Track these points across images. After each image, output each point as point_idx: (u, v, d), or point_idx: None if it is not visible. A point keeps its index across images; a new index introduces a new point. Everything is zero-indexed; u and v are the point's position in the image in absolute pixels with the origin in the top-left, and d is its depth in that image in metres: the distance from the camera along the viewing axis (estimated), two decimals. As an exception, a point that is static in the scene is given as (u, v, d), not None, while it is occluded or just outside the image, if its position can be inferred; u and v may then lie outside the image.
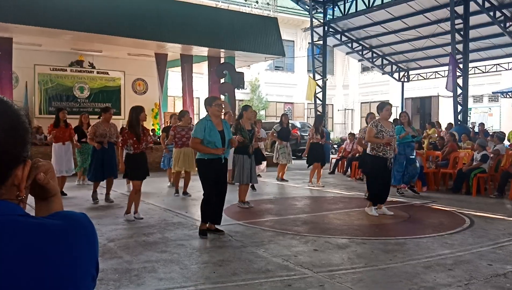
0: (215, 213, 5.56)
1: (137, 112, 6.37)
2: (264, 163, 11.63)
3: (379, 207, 6.96)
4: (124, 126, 8.53)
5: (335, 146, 20.34)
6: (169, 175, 9.93)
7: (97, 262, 0.85)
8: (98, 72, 16.24)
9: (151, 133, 14.77)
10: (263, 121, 21.94)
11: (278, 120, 11.40)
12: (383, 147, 6.70)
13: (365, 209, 7.00)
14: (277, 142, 10.81)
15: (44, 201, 0.89)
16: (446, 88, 13.57)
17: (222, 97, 15.29)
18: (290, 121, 21.24)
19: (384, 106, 6.94)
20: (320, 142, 10.04)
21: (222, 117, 10.78)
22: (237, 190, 7.61)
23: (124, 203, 7.69)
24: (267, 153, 13.40)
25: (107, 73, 16.44)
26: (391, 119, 7.26)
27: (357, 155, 11.63)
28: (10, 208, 0.77)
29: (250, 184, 7.79)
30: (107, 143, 7.72)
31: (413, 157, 8.86)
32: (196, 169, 5.80)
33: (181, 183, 9.09)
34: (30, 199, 0.86)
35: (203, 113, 18.16)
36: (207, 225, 5.56)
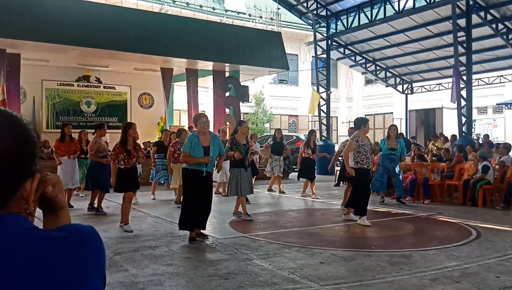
0: (199, 220, 5.94)
1: (125, 129, 6.68)
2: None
3: (347, 213, 7.30)
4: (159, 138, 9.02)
5: (340, 158, 20.29)
6: (153, 188, 10.15)
7: (104, 275, 0.85)
8: (104, 87, 16.39)
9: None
10: (267, 134, 22.04)
11: (284, 134, 11.59)
12: (366, 160, 7.02)
13: (358, 221, 7.08)
14: (271, 157, 11.03)
15: (52, 214, 0.89)
16: (451, 100, 13.57)
17: (227, 110, 15.38)
18: (294, 134, 21.35)
19: (366, 122, 7.30)
20: (311, 157, 10.23)
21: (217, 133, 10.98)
22: (229, 201, 7.72)
23: (130, 216, 7.74)
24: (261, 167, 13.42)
25: (114, 88, 16.59)
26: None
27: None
28: (18, 221, 0.78)
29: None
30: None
31: (394, 169, 8.92)
32: None
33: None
34: (38, 212, 0.87)
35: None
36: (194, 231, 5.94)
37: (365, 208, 7.07)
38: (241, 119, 7.81)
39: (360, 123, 7.25)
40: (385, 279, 4.33)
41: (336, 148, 23.14)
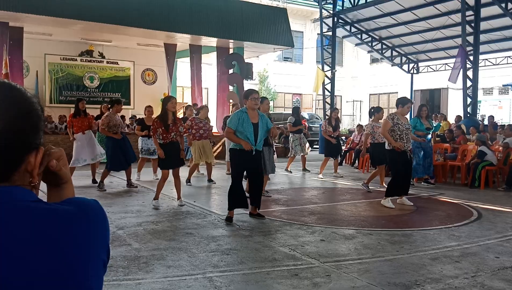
0: (252, 198, 5.87)
1: (164, 102, 6.59)
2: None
3: (400, 197, 6.99)
4: (141, 117, 8.97)
5: (343, 137, 20.32)
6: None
7: (108, 248, 0.86)
8: (108, 62, 16.32)
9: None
10: (271, 112, 21.97)
11: (286, 112, 11.39)
12: (400, 140, 6.72)
13: (382, 201, 6.91)
14: (290, 135, 10.79)
15: (56, 187, 0.90)
16: (449, 80, 13.46)
17: (231, 88, 15.31)
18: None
19: (407, 102, 6.98)
20: (332, 135, 10.11)
21: (232, 109, 10.81)
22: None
23: (133, 191, 7.81)
24: (276, 143, 13.40)
25: (117, 63, 16.51)
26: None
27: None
28: (23, 194, 0.78)
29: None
30: (120, 134, 8.01)
31: (430, 148, 8.93)
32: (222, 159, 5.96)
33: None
34: (43, 186, 0.87)
35: (212, 103, 18.13)
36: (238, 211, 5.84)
37: (394, 191, 6.83)
38: (260, 97, 7.44)
39: (398, 102, 7.04)
40: (385, 257, 4.37)
41: (340, 127, 23.10)
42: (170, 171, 6.57)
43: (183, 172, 9.92)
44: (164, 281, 3.65)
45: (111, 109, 8.16)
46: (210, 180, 9.04)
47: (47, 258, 0.73)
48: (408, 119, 7.07)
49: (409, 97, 22.52)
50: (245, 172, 5.99)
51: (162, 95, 16.84)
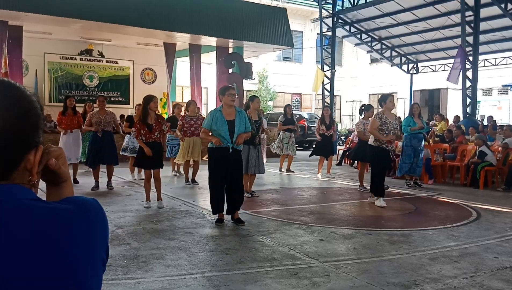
0: (233, 201, 5.60)
1: (145, 102, 6.40)
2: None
3: (372, 196, 7.04)
4: (130, 114, 8.76)
5: (342, 137, 20.31)
6: (173, 164, 9.98)
7: (107, 247, 0.86)
8: (107, 61, 16.31)
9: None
10: (270, 111, 21.97)
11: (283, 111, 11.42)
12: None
13: (375, 203, 6.92)
14: (281, 133, 10.83)
15: (55, 186, 0.89)
16: (447, 79, 13.46)
17: (230, 87, 15.28)
18: (297, 112, 21.32)
19: (387, 98, 7.00)
20: (326, 134, 10.10)
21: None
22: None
23: (132, 191, 7.82)
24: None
25: (116, 62, 16.49)
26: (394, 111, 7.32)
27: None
28: (22, 192, 0.78)
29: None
30: (101, 132, 7.86)
31: (420, 149, 8.88)
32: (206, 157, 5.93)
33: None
34: (42, 184, 0.87)
35: (211, 103, 18.06)
36: (223, 214, 5.67)
37: (382, 190, 6.92)
38: (246, 96, 7.45)
39: (380, 101, 7.07)
40: (384, 257, 4.38)
41: (339, 127, 23.11)
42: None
43: (168, 171, 10.04)
44: (163, 280, 3.65)
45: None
46: (193, 181, 8.74)
47: (47, 258, 0.73)
48: (402, 118, 7.07)
49: (408, 97, 22.64)
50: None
51: (161, 94, 16.85)
